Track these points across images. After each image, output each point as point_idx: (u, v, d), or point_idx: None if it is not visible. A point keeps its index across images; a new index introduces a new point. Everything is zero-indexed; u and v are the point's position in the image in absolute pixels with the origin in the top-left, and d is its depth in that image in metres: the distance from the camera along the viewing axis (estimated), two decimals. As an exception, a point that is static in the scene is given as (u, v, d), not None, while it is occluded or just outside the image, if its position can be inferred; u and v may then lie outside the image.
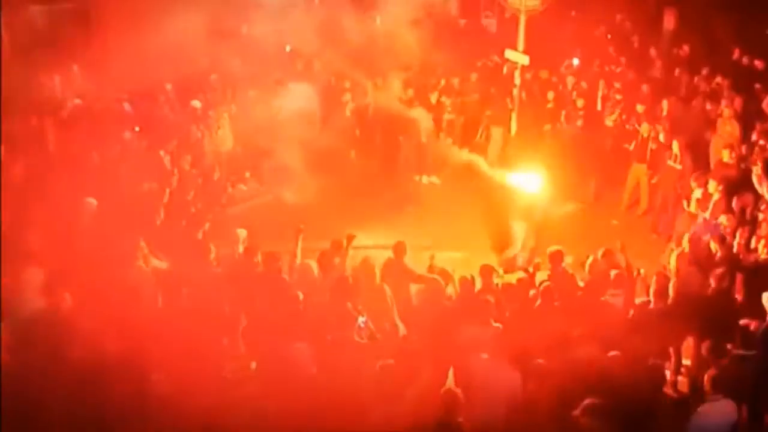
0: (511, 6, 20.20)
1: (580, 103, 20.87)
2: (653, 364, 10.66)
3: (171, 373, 10.63)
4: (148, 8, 17.05)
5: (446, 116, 21.97)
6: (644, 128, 18.93)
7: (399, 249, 13.78)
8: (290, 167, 19.66)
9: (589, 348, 10.80)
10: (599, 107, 21.11)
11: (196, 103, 19.32)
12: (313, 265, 13.15)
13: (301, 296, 11.97)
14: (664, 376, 11.36)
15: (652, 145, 18.77)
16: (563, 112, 20.73)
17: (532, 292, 13.02)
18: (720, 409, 10.00)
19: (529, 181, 17.55)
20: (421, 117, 20.71)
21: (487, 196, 18.18)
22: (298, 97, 20.50)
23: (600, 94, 20.92)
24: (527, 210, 17.32)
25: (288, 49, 21.58)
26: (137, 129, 18.32)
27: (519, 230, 17.15)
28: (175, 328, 11.46)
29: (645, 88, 20.61)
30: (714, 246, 14.27)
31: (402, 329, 12.07)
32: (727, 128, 18.39)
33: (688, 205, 16.69)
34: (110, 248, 13.27)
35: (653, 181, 19.04)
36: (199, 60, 18.66)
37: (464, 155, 19.58)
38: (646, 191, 19.25)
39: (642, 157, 18.95)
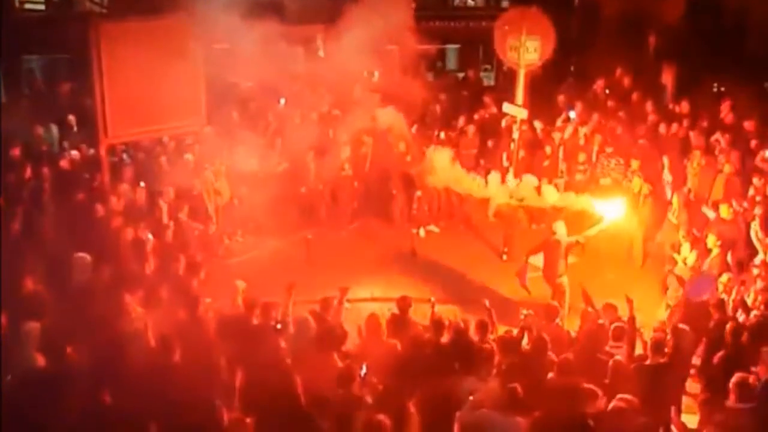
0: (510, 60, 20.25)
1: (581, 157, 20.88)
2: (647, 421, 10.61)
3: (167, 426, 10.58)
4: (146, 59, 17.06)
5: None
6: (636, 183, 18.91)
7: (404, 304, 13.72)
8: (288, 220, 19.69)
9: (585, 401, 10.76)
10: (594, 159, 21.06)
11: (189, 157, 19.36)
12: (310, 318, 13.11)
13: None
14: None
15: (645, 200, 18.80)
16: (563, 165, 20.79)
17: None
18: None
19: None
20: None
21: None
22: (297, 150, 20.56)
23: (596, 148, 20.87)
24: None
25: (282, 102, 21.60)
26: (142, 184, 18.38)
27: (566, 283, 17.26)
28: (170, 380, 11.42)
29: (641, 142, 20.63)
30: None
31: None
32: (731, 186, 18.41)
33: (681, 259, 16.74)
34: (105, 301, 13.27)
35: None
36: (197, 112, 18.66)
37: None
38: (640, 246, 19.24)
39: (634, 209, 18.92)
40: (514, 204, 18.97)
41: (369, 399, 10.84)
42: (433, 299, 14.56)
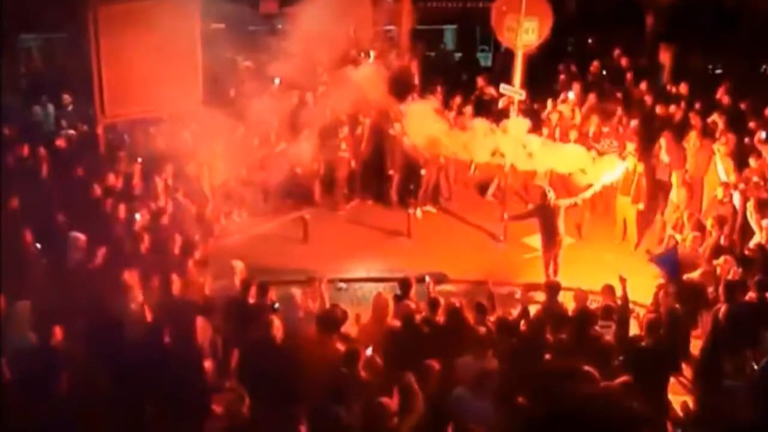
0: (507, 41, 20.17)
1: (572, 135, 20.77)
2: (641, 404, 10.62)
3: (162, 407, 10.62)
4: (143, 38, 17.07)
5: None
6: (630, 162, 18.86)
7: (406, 285, 13.73)
8: (284, 200, 19.69)
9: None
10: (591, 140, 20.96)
11: (187, 136, 19.29)
12: (298, 294, 13.20)
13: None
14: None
15: (640, 179, 18.83)
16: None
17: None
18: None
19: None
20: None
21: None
22: (292, 130, 20.53)
23: (592, 129, 20.78)
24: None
25: (277, 82, 21.55)
26: (140, 160, 18.33)
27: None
28: (164, 360, 11.45)
29: (633, 123, 20.57)
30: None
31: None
32: (723, 165, 18.39)
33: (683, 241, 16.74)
34: (100, 280, 13.28)
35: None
36: (193, 91, 18.67)
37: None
38: (634, 225, 19.24)
39: (627, 189, 18.98)
40: (499, 162, 18.90)
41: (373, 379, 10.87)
42: (428, 278, 14.55)
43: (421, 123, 18.69)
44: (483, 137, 18.45)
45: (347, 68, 20.10)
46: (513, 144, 18.14)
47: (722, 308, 13.34)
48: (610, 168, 17.77)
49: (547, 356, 11.82)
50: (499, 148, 18.41)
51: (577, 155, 17.76)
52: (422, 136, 19.08)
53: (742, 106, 20.53)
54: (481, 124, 18.75)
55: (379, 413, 9.79)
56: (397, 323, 12.58)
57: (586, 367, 10.87)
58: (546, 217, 17.31)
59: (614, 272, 14.32)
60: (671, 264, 15.73)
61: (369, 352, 11.64)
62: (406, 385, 10.38)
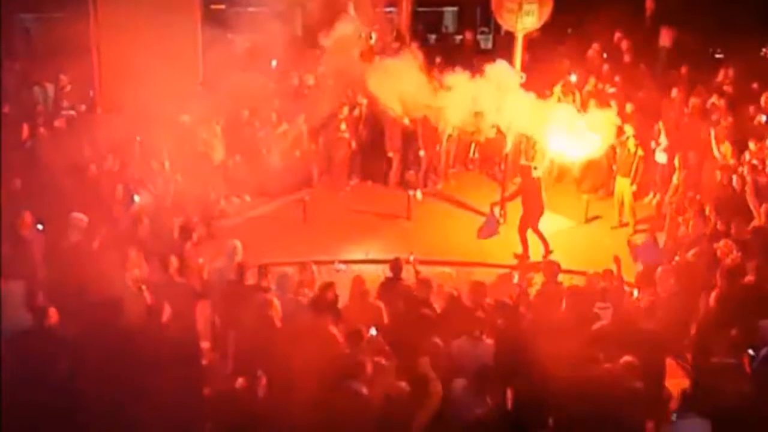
0: (507, 24, 20.09)
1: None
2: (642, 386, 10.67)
3: (157, 390, 10.63)
4: (143, 17, 17.05)
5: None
6: (631, 143, 18.87)
7: (396, 267, 13.76)
8: (283, 181, 19.68)
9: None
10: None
11: (185, 118, 19.25)
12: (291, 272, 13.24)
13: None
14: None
15: (639, 162, 18.93)
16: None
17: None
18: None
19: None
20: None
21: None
22: (293, 111, 20.53)
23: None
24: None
25: (274, 64, 21.51)
26: (138, 139, 18.30)
27: None
28: (162, 341, 11.45)
29: (629, 107, 20.48)
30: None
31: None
32: (721, 149, 18.39)
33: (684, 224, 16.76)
34: (99, 261, 13.27)
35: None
36: (192, 72, 18.62)
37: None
38: (631, 207, 19.26)
39: (626, 171, 19.03)
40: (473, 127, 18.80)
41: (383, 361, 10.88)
42: (412, 258, 14.59)
43: (393, 80, 17.98)
44: (461, 91, 17.82)
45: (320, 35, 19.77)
46: (493, 100, 17.83)
47: (715, 291, 13.36)
48: (599, 126, 17.66)
49: (547, 338, 11.82)
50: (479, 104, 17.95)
51: (563, 113, 17.71)
52: (394, 95, 18.43)
53: (743, 89, 20.49)
54: (460, 76, 18.08)
55: (396, 397, 9.85)
56: (380, 304, 12.61)
57: (589, 349, 10.96)
58: (531, 191, 17.76)
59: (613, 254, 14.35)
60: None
61: (373, 332, 11.64)
62: (421, 372, 10.46)
